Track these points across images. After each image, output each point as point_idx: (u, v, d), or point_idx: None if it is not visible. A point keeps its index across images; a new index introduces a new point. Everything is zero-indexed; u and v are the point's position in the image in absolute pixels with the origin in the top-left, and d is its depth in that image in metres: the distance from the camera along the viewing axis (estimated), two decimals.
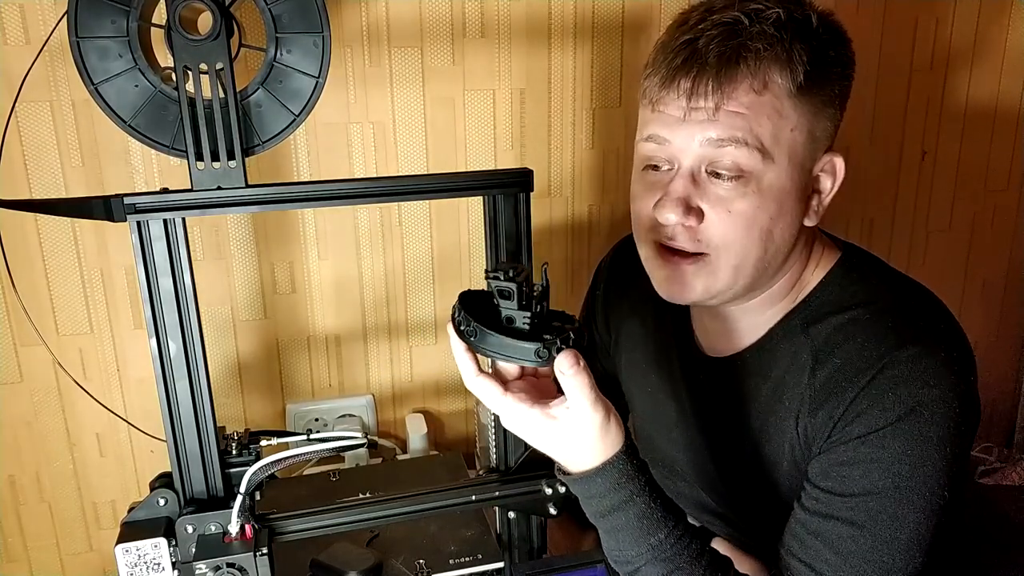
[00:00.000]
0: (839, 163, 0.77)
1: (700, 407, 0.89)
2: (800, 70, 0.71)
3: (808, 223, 0.77)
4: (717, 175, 0.73)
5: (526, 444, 0.84)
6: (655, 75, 0.74)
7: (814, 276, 0.81)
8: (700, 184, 0.74)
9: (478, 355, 0.67)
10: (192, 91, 0.70)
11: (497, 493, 0.85)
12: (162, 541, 0.74)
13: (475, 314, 0.66)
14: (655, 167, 0.77)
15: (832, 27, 0.75)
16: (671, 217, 0.73)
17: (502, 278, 0.65)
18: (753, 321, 0.83)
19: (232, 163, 0.71)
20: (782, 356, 0.80)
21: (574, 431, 0.68)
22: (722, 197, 0.73)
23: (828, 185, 0.78)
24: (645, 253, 0.81)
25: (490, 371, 0.70)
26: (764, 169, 0.72)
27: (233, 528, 0.75)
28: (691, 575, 0.70)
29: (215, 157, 0.71)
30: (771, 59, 0.70)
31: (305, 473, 1.14)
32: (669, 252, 0.77)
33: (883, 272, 0.82)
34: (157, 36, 0.70)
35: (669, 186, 0.74)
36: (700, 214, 0.74)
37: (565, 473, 0.72)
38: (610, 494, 0.69)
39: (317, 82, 0.72)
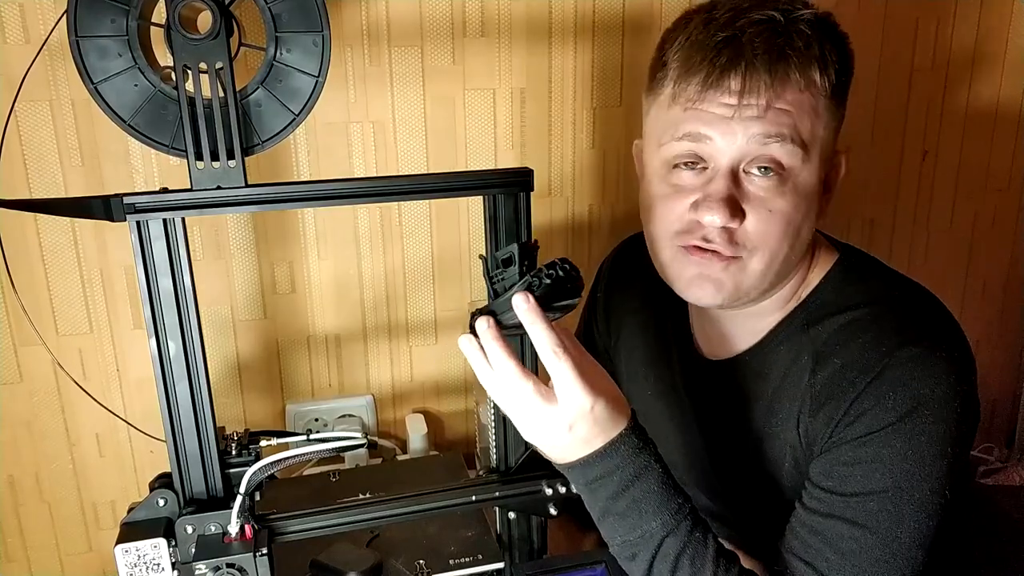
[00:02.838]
0: (843, 162, 0.78)
1: (700, 410, 0.89)
2: (833, 70, 0.72)
3: (819, 221, 0.78)
4: (757, 172, 0.72)
5: (526, 444, 0.84)
6: (694, 74, 0.72)
7: (813, 276, 0.81)
8: (741, 184, 0.73)
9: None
10: (192, 90, 0.70)
11: (497, 493, 0.85)
12: (162, 541, 0.74)
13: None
14: (688, 166, 0.75)
15: (838, 27, 0.76)
16: (716, 220, 0.72)
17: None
18: (753, 324, 0.83)
19: (232, 163, 0.71)
20: (782, 358, 0.80)
21: (604, 391, 0.67)
22: (762, 197, 0.73)
23: (833, 183, 0.78)
24: (670, 255, 0.79)
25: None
26: (801, 167, 0.73)
27: (233, 528, 0.75)
28: (705, 553, 0.70)
29: (215, 157, 0.71)
30: (812, 58, 0.71)
31: (305, 473, 1.14)
32: (700, 252, 0.76)
33: (882, 273, 0.82)
34: (157, 35, 0.70)
35: (709, 187, 0.73)
36: (743, 215, 0.73)
37: (581, 458, 0.69)
38: (633, 460, 0.68)
39: (317, 81, 0.72)
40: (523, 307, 0.66)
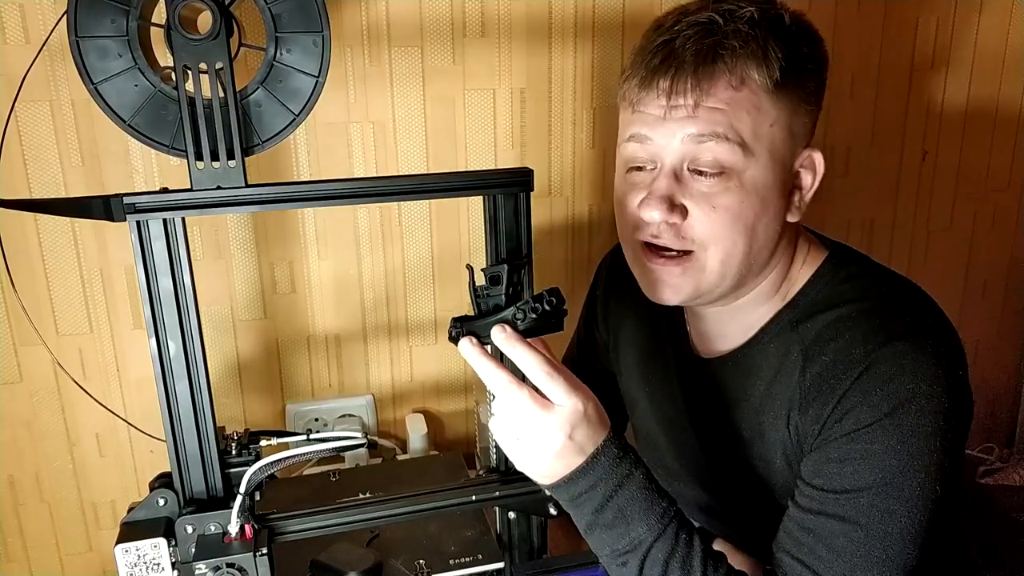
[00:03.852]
0: (818, 158, 0.78)
1: (695, 407, 0.89)
2: (776, 66, 0.72)
3: (791, 219, 0.78)
4: (700, 172, 0.74)
5: None
6: (634, 77, 0.75)
7: (801, 274, 0.82)
8: (683, 182, 0.74)
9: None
10: (192, 91, 0.70)
11: (497, 493, 0.85)
12: (162, 541, 0.74)
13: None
14: (638, 168, 0.78)
15: (804, 26, 0.76)
16: (655, 215, 0.74)
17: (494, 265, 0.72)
18: (744, 321, 0.83)
19: (232, 163, 0.71)
20: (773, 355, 0.80)
21: (590, 395, 0.69)
22: (705, 193, 0.74)
23: (809, 181, 0.79)
24: (631, 254, 0.81)
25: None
26: (746, 164, 0.73)
27: (233, 528, 0.75)
28: (693, 554, 0.70)
29: (215, 157, 0.71)
30: (747, 56, 0.71)
31: (305, 473, 1.14)
32: (655, 253, 0.77)
33: (870, 269, 0.82)
34: (157, 36, 0.70)
35: (652, 184, 0.75)
36: (684, 211, 0.74)
37: (566, 475, 0.70)
38: (615, 470, 0.69)
39: (317, 81, 0.72)
40: (500, 337, 0.69)
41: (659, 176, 0.75)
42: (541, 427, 0.67)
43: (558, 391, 0.67)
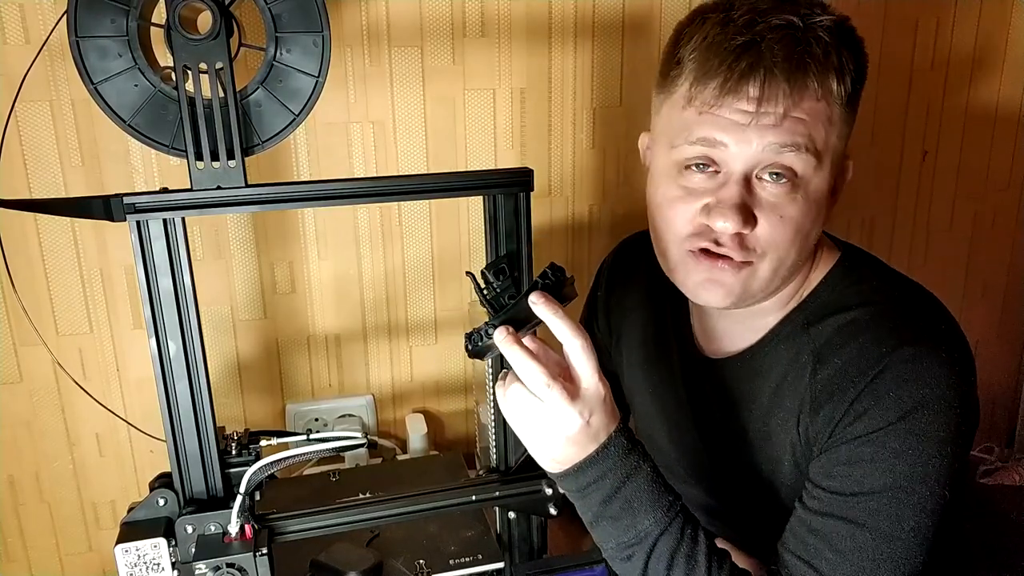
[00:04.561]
0: (850, 167, 0.79)
1: (700, 408, 0.89)
2: (849, 79, 0.72)
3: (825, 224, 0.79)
4: (770, 178, 0.72)
5: None
6: (712, 78, 0.71)
7: (814, 276, 0.82)
8: (753, 190, 0.73)
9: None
10: (192, 91, 0.70)
11: (497, 493, 0.85)
12: (162, 541, 0.74)
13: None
14: (699, 168, 0.75)
15: (855, 32, 0.75)
16: (729, 226, 0.72)
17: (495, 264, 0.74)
18: (754, 322, 0.83)
19: (232, 163, 0.71)
20: (783, 356, 0.80)
21: (605, 381, 0.68)
22: (774, 204, 0.73)
23: (840, 188, 0.79)
24: (676, 258, 0.78)
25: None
26: (813, 175, 0.73)
27: (233, 528, 0.75)
28: (699, 550, 0.70)
29: (215, 157, 0.71)
30: (829, 67, 0.71)
31: (305, 473, 1.14)
32: (710, 256, 0.76)
33: (882, 272, 0.82)
34: (157, 36, 0.70)
35: (721, 192, 0.73)
36: (755, 221, 0.73)
37: (576, 464, 0.70)
38: (623, 461, 0.69)
39: (317, 81, 0.72)
40: (540, 302, 0.68)
41: (729, 183, 0.73)
42: (562, 411, 0.67)
43: (588, 368, 0.67)
